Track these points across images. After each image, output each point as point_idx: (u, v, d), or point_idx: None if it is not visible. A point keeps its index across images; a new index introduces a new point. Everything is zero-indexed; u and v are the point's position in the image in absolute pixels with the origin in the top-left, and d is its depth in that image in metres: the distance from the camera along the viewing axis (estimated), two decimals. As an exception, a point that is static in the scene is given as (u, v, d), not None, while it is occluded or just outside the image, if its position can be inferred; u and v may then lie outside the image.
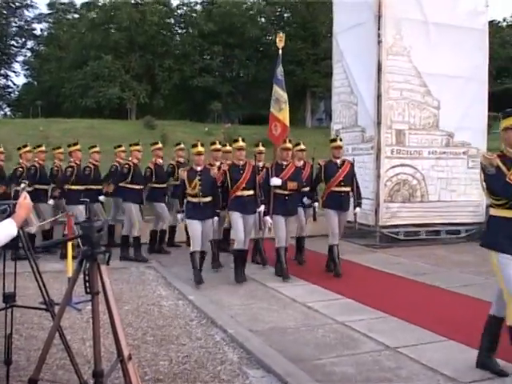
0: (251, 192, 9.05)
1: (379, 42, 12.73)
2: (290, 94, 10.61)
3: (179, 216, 9.41)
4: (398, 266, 10.47)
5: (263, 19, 46.94)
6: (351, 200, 9.79)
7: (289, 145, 9.80)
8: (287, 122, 10.01)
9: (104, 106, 40.97)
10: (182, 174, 9.21)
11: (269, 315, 7.21)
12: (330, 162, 9.84)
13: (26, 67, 54.34)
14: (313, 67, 40.54)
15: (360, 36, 13.35)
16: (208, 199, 8.96)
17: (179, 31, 48.54)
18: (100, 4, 45.28)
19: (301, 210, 10.19)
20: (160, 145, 12.01)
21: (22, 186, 10.91)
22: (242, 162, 9.19)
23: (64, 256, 9.40)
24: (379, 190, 12.69)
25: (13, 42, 51.70)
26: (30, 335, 6.16)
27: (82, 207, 10.88)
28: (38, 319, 6.58)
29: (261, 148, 10.61)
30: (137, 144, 11.47)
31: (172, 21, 47.79)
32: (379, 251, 12.18)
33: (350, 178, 9.67)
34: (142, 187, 11.17)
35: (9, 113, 55.83)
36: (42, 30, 53.32)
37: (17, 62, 52.90)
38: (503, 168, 4.90)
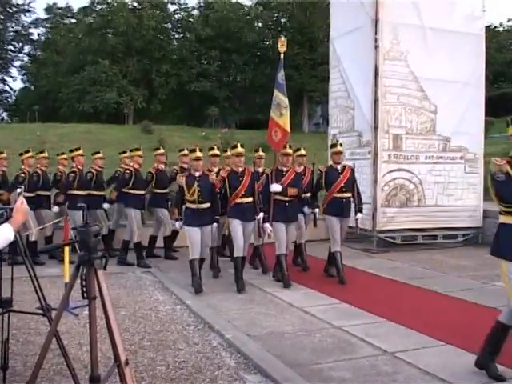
0: (250, 199, 8.96)
1: (376, 47, 12.75)
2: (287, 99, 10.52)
3: (177, 224, 9.21)
4: (395, 271, 10.47)
5: (260, 24, 46.92)
6: (352, 206, 9.71)
7: (289, 150, 9.73)
8: (288, 128, 9.91)
9: (101, 111, 40.93)
10: (181, 180, 9.06)
11: (266, 320, 7.21)
12: (330, 167, 9.80)
13: (23, 72, 54.29)
14: (310, 72, 40.57)
15: (357, 41, 13.38)
16: (207, 205, 8.86)
17: (176, 36, 48.52)
18: (97, 9, 45.23)
19: (301, 217, 10.11)
20: (162, 150, 11.95)
21: (19, 190, 10.88)
22: (240, 169, 9.08)
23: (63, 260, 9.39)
24: (376, 194, 12.70)
25: (10, 47, 51.67)
26: (27, 340, 6.14)
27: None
28: (35, 324, 6.57)
29: (260, 153, 10.49)
30: (138, 149, 11.44)
31: (169, 26, 47.79)
32: (376, 256, 12.18)
33: (351, 184, 9.59)
34: (143, 192, 11.15)
35: (6, 118, 55.81)
36: (39, 34, 53.37)
37: (14, 66, 52.89)
38: None
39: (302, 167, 10.36)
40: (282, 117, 10.00)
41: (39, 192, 11.33)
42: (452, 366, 5.47)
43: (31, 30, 52.38)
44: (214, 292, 8.71)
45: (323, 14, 32.99)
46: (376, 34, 12.76)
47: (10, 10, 49.60)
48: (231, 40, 44.40)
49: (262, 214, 9.06)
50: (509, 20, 49.55)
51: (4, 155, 11.72)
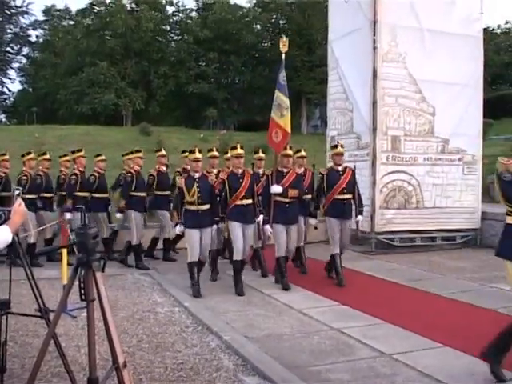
0: (250, 201, 8.88)
1: (374, 49, 12.76)
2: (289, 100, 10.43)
3: (178, 228, 8.98)
4: (393, 273, 10.47)
5: (259, 26, 46.93)
6: (353, 208, 9.63)
7: (290, 151, 9.63)
8: (289, 129, 9.76)
9: (99, 113, 40.93)
10: (180, 181, 9.01)
11: (264, 322, 7.20)
12: (331, 169, 9.79)
13: (22, 74, 54.26)
14: (308, 74, 40.59)
15: (355, 43, 13.39)
16: (206, 207, 8.77)
17: (175, 38, 48.51)
18: (95, 11, 45.24)
19: (300, 218, 10.01)
20: (164, 152, 11.88)
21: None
22: (240, 171, 8.96)
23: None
24: (375, 196, 12.70)
25: (8, 49, 51.61)
26: (25, 342, 6.13)
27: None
28: (33, 326, 6.56)
29: (260, 155, 10.48)
30: (138, 151, 11.41)
31: (167, 27, 47.81)
32: (375, 258, 12.18)
33: (352, 186, 9.55)
34: (144, 195, 11.13)
35: (4, 119, 55.76)
36: (37, 36, 53.30)
37: (12, 68, 52.82)
38: None
39: (303, 169, 10.31)
40: (282, 118, 9.87)
41: (41, 194, 11.34)
42: (450, 368, 5.47)
43: (29, 32, 52.37)
44: (212, 294, 8.70)
45: (321, 16, 33.05)
46: (374, 35, 12.77)
47: (8, 12, 49.56)
48: (229, 42, 44.41)
49: (261, 216, 9.01)
50: (507, 22, 49.71)
51: (6, 157, 11.68)
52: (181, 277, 9.51)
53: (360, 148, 13.21)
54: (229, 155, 10.34)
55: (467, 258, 12.15)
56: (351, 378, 5.28)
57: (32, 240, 10.90)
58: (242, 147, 9.09)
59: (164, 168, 11.67)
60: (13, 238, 3.34)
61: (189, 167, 11.34)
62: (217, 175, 9.75)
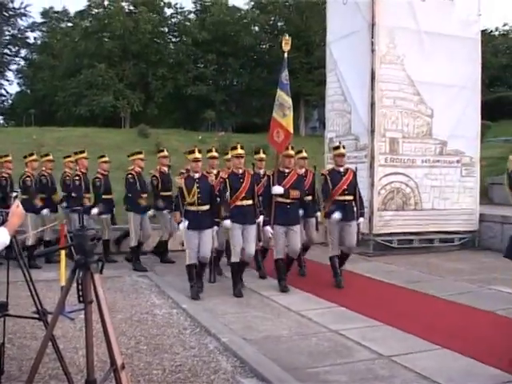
0: (250, 201, 8.81)
1: (372, 51, 12.76)
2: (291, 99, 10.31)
3: (181, 225, 8.81)
4: (391, 274, 10.47)
5: (257, 28, 46.96)
6: (354, 209, 9.51)
7: (292, 152, 9.50)
8: (291, 129, 9.63)
9: (98, 115, 40.92)
10: (180, 181, 8.90)
11: (263, 324, 7.20)
12: (332, 170, 9.71)
13: (20, 76, 54.24)
14: (306, 76, 40.61)
15: (353, 45, 13.40)
16: (206, 207, 8.70)
17: (173, 40, 48.55)
18: (93, 13, 45.24)
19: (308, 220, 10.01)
20: (166, 153, 11.79)
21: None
22: (241, 171, 8.89)
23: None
24: (373, 198, 12.70)
25: (6, 51, 51.58)
26: (23, 344, 6.12)
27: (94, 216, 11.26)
28: (31, 328, 6.55)
29: (261, 155, 10.44)
30: (139, 152, 11.40)
31: (165, 29, 47.82)
32: (373, 259, 12.18)
33: (353, 187, 9.49)
34: (145, 196, 11.11)
35: (2, 121, 55.75)
36: (35, 38, 53.30)
37: (10, 70, 52.82)
38: None
39: (304, 169, 10.24)
40: (285, 117, 9.72)
41: (45, 195, 11.35)
42: (449, 370, 5.47)
43: (27, 34, 52.39)
44: (210, 296, 8.69)
45: (320, 18, 33.00)
46: (372, 37, 12.77)
47: (6, 14, 49.55)
48: (228, 44, 44.45)
49: (261, 217, 8.96)
50: (504, 24, 49.84)
51: (9, 158, 11.66)
52: (179, 279, 9.50)
53: (358, 150, 13.20)
54: (229, 156, 10.15)
55: (465, 259, 12.16)
56: (349, 379, 5.27)
57: (30, 242, 10.90)
58: (242, 147, 9.01)
59: (165, 169, 11.63)
60: (11, 239, 3.33)
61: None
62: (216, 175, 9.71)
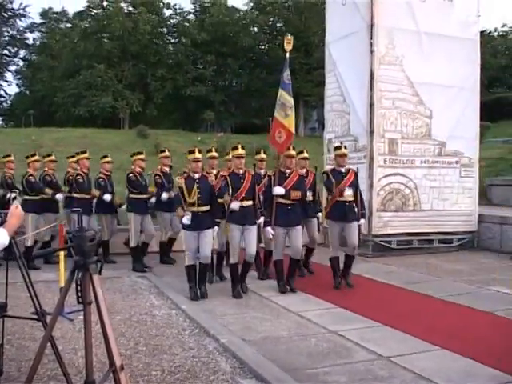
0: (250, 202, 8.71)
1: (371, 52, 12.75)
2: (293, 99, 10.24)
3: (185, 219, 8.51)
4: (390, 275, 10.47)
5: (256, 29, 47.07)
6: (356, 210, 9.40)
7: (293, 152, 9.39)
8: (293, 130, 9.50)
9: (97, 116, 40.99)
10: (180, 181, 8.75)
11: (262, 324, 7.19)
12: (333, 170, 9.61)
13: (19, 76, 54.36)
14: (305, 76, 40.68)
15: (352, 45, 13.39)
16: (206, 208, 8.60)
17: (172, 40, 48.66)
18: (92, 13, 45.36)
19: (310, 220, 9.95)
20: (167, 153, 11.74)
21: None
22: (241, 171, 8.79)
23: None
24: (372, 198, 12.68)
25: (5, 52, 51.69)
26: (22, 345, 6.11)
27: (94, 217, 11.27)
28: (30, 329, 6.54)
29: (262, 155, 10.37)
30: (140, 153, 11.38)
31: (165, 30, 47.94)
32: (372, 260, 12.17)
33: (355, 188, 9.39)
34: (146, 197, 11.09)
35: (1, 122, 55.82)
36: (34, 39, 53.48)
37: (9, 71, 52.96)
38: None
39: (305, 170, 10.16)
40: (287, 118, 9.60)
41: (48, 196, 11.36)
42: (448, 371, 5.46)
43: (26, 35, 52.60)
44: (209, 297, 8.67)
45: (319, 19, 33.04)
46: (371, 38, 12.76)
47: (5, 15, 49.64)
48: (227, 44, 44.53)
49: (262, 218, 8.90)
50: (503, 25, 49.94)
51: (11, 158, 11.65)
52: (178, 279, 9.49)
53: (357, 151, 13.19)
54: (230, 156, 9.92)
55: (464, 260, 12.16)
56: (348, 380, 5.27)
57: (29, 243, 10.89)
58: (243, 147, 8.92)
59: (167, 169, 11.61)
60: (10, 240, 3.33)
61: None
62: (216, 175, 9.61)
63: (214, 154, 10.63)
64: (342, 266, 9.57)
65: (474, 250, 13.40)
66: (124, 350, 5.95)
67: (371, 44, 12.77)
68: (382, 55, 12.82)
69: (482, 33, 17.11)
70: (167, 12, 47.71)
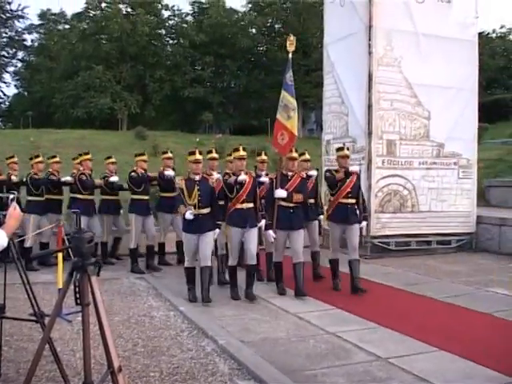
0: (251, 205, 8.66)
1: (370, 53, 12.76)
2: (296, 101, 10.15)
3: (188, 213, 8.33)
4: (388, 277, 10.47)
5: (254, 30, 47.02)
6: (357, 212, 9.30)
7: (295, 154, 9.28)
8: (295, 131, 9.37)
9: (95, 117, 40.95)
10: (181, 183, 8.63)
11: (260, 326, 7.19)
12: (336, 172, 9.47)
13: (17, 78, 54.28)
14: (304, 78, 40.63)
15: (351, 47, 13.40)
16: (207, 210, 8.49)
17: (170, 42, 48.59)
18: (91, 15, 45.29)
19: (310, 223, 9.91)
20: (170, 154, 11.55)
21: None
22: (242, 173, 8.66)
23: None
24: (370, 200, 12.68)
25: (3, 53, 51.56)
26: (20, 347, 6.11)
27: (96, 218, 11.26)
28: (28, 331, 6.54)
29: (263, 157, 10.27)
30: (143, 154, 11.35)
31: (163, 31, 47.87)
32: (370, 262, 12.15)
33: (357, 190, 9.32)
34: (147, 198, 11.07)
35: (-1, 123, 55.75)
36: (32, 40, 53.33)
37: (7, 72, 52.77)
38: None
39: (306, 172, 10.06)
40: (289, 119, 9.49)
41: (52, 196, 11.34)
42: (446, 372, 5.47)
43: (25, 36, 52.38)
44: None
45: (317, 20, 33.09)
46: (369, 40, 12.77)
47: (4, 16, 49.49)
48: (225, 46, 44.51)
49: (263, 222, 8.87)
50: (501, 27, 49.86)
51: (15, 159, 11.66)
52: (176, 281, 9.49)
53: (355, 152, 13.17)
54: (231, 157, 9.64)
55: (462, 261, 12.17)
56: (347, 381, 5.27)
57: (29, 244, 10.87)
58: (244, 149, 8.84)
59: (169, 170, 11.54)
60: (8, 241, 3.33)
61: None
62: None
63: (215, 155, 10.39)
64: (342, 268, 9.54)
65: (473, 251, 13.41)
66: (122, 351, 5.94)
67: (369, 45, 12.77)
68: (380, 56, 12.83)
69: (480, 34, 17.11)
70: (165, 13, 47.70)
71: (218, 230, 8.70)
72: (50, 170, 11.59)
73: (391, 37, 12.90)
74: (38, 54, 51.65)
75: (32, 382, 3.49)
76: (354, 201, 9.28)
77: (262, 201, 9.24)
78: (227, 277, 9.25)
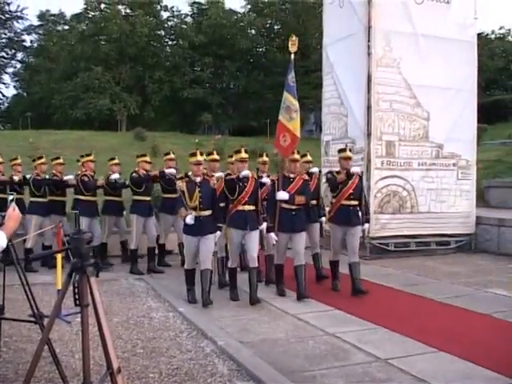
0: (252, 207, 8.63)
1: (369, 54, 12.76)
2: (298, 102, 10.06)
3: (188, 218, 8.26)
4: (388, 277, 10.47)
5: (253, 31, 47.06)
6: (359, 214, 9.23)
7: (297, 156, 9.20)
8: (298, 133, 9.17)
9: (94, 118, 40.96)
10: (182, 185, 8.51)
11: (259, 327, 7.19)
12: (337, 173, 9.40)
13: (16, 79, 54.31)
14: (303, 79, 40.54)
15: (350, 48, 13.40)
16: (208, 212, 8.40)
17: (169, 43, 48.63)
18: (90, 16, 45.31)
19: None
20: (172, 155, 11.52)
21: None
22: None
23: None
24: (369, 201, 12.66)
25: (2, 54, 51.65)
26: (19, 348, 6.10)
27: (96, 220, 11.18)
28: (27, 332, 6.53)
29: (264, 158, 10.16)
30: (144, 155, 11.33)
31: (162, 32, 47.91)
32: (369, 262, 12.14)
33: (359, 191, 9.25)
34: (149, 199, 11.05)
35: (-2, 124, 55.74)
36: (31, 41, 53.38)
37: (6, 73, 52.84)
38: None
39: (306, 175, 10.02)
40: (292, 121, 9.36)
41: (55, 197, 11.34)
42: (445, 373, 5.47)
43: (24, 37, 52.46)
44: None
45: (316, 21, 33.16)
46: (369, 40, 12.77)
47: (3, 17, 49.55)
48: (224, 47, 44.53)
49: (265, 224, 8.80)
50: (500, 28, 49.94)
51: (19, 161, 11.66)
52: (175, 282, 9.49)
53: (354, 153, 13.09)
54: (232, 159, 9.62)
55: (462, 262, 12.17)
56: (346, 382, 5.27)
57: (29, 245, 10.87)
58: (246, 151, 8.79)
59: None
60: (7, 243, 3.33)
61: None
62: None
63: (216, 156, 10.05)
64: (342, 270, 9.54)
65: (472, 252, 13.41)
66: (121, 352, 5.94)
67: (368, 46, 12.77)
68: (379, 57, 12.82)
69: (479, 35, 17.15)
70: (165, 14, 47.74)
71: (219, 233, 8.60)
72: (54, 171, 11.57)
73: (390, 38, 12.90)
74: (37, 54, 51.66)
75: (31, 383, 3.49)
76: (356, 202, 9.21)
77: (264, 203, 9.20)
78: (227, 278, 9.25)
